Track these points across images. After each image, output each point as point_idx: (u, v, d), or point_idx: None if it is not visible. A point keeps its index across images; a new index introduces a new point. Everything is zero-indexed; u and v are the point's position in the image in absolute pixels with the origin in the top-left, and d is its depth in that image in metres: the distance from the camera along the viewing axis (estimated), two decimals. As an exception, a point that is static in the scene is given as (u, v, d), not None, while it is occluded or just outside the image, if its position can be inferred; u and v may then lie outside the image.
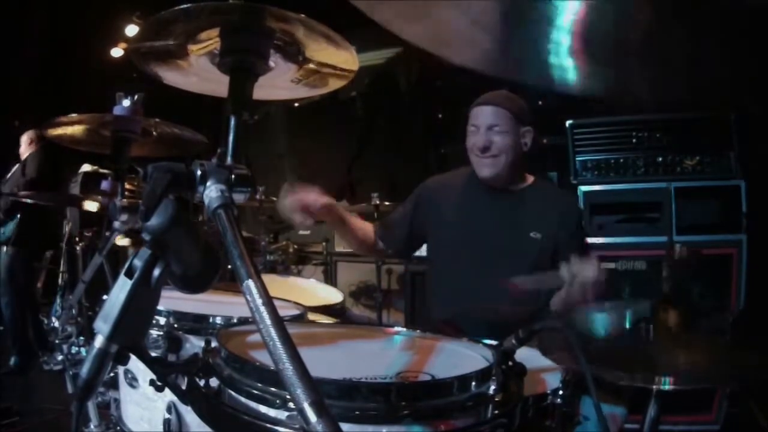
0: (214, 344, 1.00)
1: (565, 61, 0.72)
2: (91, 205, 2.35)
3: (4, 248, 4.11)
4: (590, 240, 2.33)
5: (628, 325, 1.19)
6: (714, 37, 0.61)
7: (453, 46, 0.74)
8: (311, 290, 2.48)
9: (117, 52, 5.68)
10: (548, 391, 1.08)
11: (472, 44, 0.73)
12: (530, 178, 2.05)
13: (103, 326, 0.74)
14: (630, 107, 2.95)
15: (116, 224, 1.39)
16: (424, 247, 2.26)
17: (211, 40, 0.96)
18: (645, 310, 1.19)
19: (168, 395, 1.06)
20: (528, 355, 1.13)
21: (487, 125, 1.94)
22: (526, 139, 1.96)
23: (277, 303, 0.67)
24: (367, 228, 2.21)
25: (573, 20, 0.62)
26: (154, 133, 1.82)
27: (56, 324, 1.90)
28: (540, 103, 3.20)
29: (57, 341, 1.88)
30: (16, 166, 4.24)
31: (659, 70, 0.69)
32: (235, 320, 1.28)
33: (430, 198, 2.13)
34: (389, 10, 0.68)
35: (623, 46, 0.65)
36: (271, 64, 0.99)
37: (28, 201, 3.86)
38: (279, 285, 2.55)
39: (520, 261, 1.89)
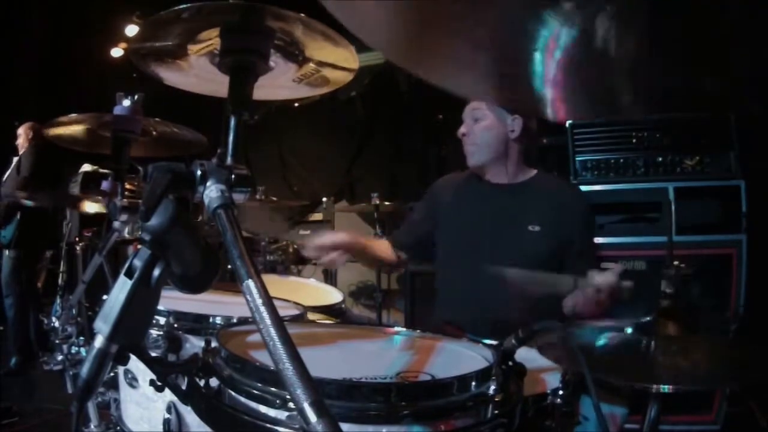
0: (214, 344, 1.00)
1: (555, 89, 0.72)
2: (91, 207, 2.34)
3: (6, 251, 4.11)
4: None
5: (629, 331, 1.19)
6: (714, 37, 0.61)
7: (458, 78, 0.74)
8: (311, 290, 2.48)
9: (117, 52, 5.68)
10: (548, 391, 1.08)
11: (480, 76, 0.73)
12: (532, 172, 2.03)
13: (103, 326, 0.74)
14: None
15: (116, 224, 1.39)
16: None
17: (211, 40, 0.96)
18: (645, 318, 1.18)
19: (168, 395, 1.06)
20: (528, 355, 1.13)
21: (469, 116, 2.01)
22: (514, 126, 1.96)
23: (277, 303, 0.67)
24: (384, 245, 2.20)
25: (565, 45, 0.62)
26: (154, 133, 1.82)
27: (56, 324, 1.89)
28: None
29: (57, 341, 1.88)
30: (12, 165, 4.24)
31: (656, 77, 0.69)
32: (235, 320, 1.28)
33: (436, 198, 2.15)
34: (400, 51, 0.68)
35: (611, 64, 0.65)
36: (272, 63, 0.99)
37: (27, 202, 3.86)
38: (279, 285, 2.55)
39: (520, 256, 1.88)
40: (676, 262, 1.16)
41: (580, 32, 0.60)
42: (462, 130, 2.01)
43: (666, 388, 1.00)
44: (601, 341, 1.20)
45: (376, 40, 0.65)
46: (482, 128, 1.97)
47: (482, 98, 1.99)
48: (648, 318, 1.19)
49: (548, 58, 0.64)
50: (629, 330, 1.19)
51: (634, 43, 0.62)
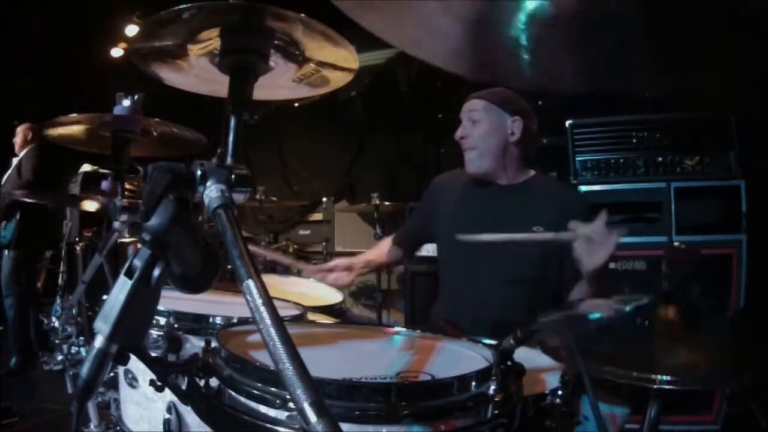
0: (214, 344, 1.00)
1: (549, 60, 0.72)
2: (91, 206, 2.34)
3: (6, 252, 4.11)
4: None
5: (627, 309, 1.18)
6: (715, 37, 0.61)
7: (432, 47, 0.74)
8: (311, 290, 2.48)
9: (117, 52, 5.68)
10: (548, 391, 1.08)
11: (452, 45, 0.73)
12: (531, 173, 2.01)
13: (103, 326, 0.74)
14: (630, 107, 2.96)
15: (116, 224, 1.39)
16: (424, 246, 2.29)
17: (211, 40, 0.96)
18: (645, 302, 1.18)
19: (168, 395, 1.06)
20: (528, 355, 1.13)
21: (466, 117, 1.98)
22: (513, 128, 1.93)
23: (277, 303, 0.67)
24: (381, 248, 2.31)
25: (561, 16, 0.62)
26: (154, 133, 1.82)
27: (56, 324, 1.89)
28: (540, 103, 3.19)
29: (57, 341, 1.88)
30: (12, 166, 4.23)
31: (659, 68, 0.69)
32: (235, 320, 1.28)
33: (434, 196, 2.14)
34: (375, 15, 0.68)
35: (622, 44, 0.65)
36: (272, 64, 0.99)
37: (27, 202, 3.86)
38: (279, 285, 2.55)
39: (521, 258, 1.88)
40: (676, 243, 1.15)
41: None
42: (459, 133, 1.98)
43: (665, 377, 1.00)
44: (596, 315, 1.19)
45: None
46: (481, 133, 1.93)
47: (478, 95, 1.99)
48: (647, 300, 1.18)
49: (534, 29, 0.64)
50: (628, 308, 1.18)
51: (629, 28, 0.62)
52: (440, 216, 2.08)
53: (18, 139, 4.24)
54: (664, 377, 1.00)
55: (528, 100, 2.00)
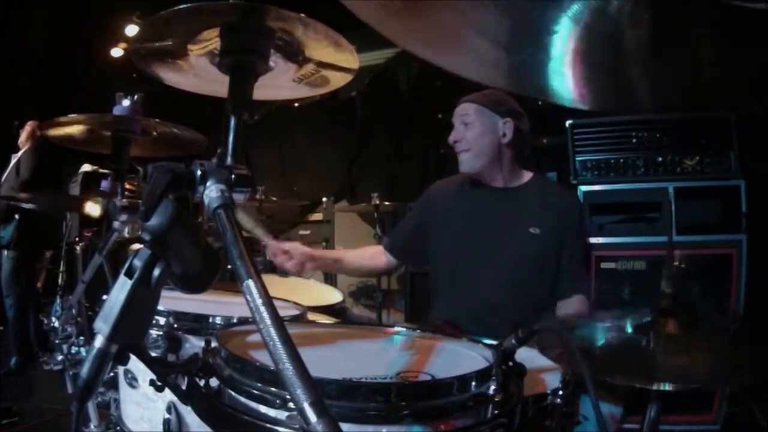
0: (214, 344, 1.00)
1: (563, 74, 0.71)
2: (93, 209, 2.34)
3: (5, 252, 4.11)
4: (590, 240, 2.32)
5: (629, 330, 1.19)
6: (714, 37, 0.61)
7: (453, 54, 0.74)
8: (311, 290, 2.48)
9: (117, 52, 5.68)
10: (548, 391, 1.08)
11: (476, 55, 0.72)
12: (528, 175, 2.03)
13: (103, 326, 0.74)
14: (630, 108, 2.95)
15: (116, 224, 1.39)
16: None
17: (211, 40, 0.96)
18: (645, 318, 1.19)
19: (168, 395, 1.06)
20: (528, 355, 1.13)
21: (459, 121, 1.99)
22: (505, 130, 1.94)
23: (277, 303, 0.67)
24: (372, 251, 2.25)
25: (573, 30, 0.62)
26: (154, 133, 1.82)
27: (56, 324, 1.89)
28: (540, 103, 3.19)
29: (57, 341, 1.88)
30: (11, 165, 4.22)
31: (660, 73, 0.69)
32: (235, 320, 1.28)
33: (431, 202, 2.15)
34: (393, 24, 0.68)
35: (623, 53, 0.65)
36: (272, 64, 0.99)
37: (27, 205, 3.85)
38: (279, 285, 2.54)
39: (520, 258, 1.89)
40: (676, 263, 1.16)
41: (589, 23, 0.60)
42: (452, 136, 1.99)
43: (666, 386, 1.00)
44: (601, 341, 1.20)
45: (386, 27, 0.65)
46: (474, 135, 1.95)
47: (469, 99, 2.00)
48: (648, 318, 1.19)
49: (560, 45, 0.64)
50: (629, 329, 1.20)
51: (643, 38, 0.62)
52: (437, 218, 2.08)
53: (23, 135, 4.21)
54: (666, 380, 1.00)
55: (522, 101, 2.01)
